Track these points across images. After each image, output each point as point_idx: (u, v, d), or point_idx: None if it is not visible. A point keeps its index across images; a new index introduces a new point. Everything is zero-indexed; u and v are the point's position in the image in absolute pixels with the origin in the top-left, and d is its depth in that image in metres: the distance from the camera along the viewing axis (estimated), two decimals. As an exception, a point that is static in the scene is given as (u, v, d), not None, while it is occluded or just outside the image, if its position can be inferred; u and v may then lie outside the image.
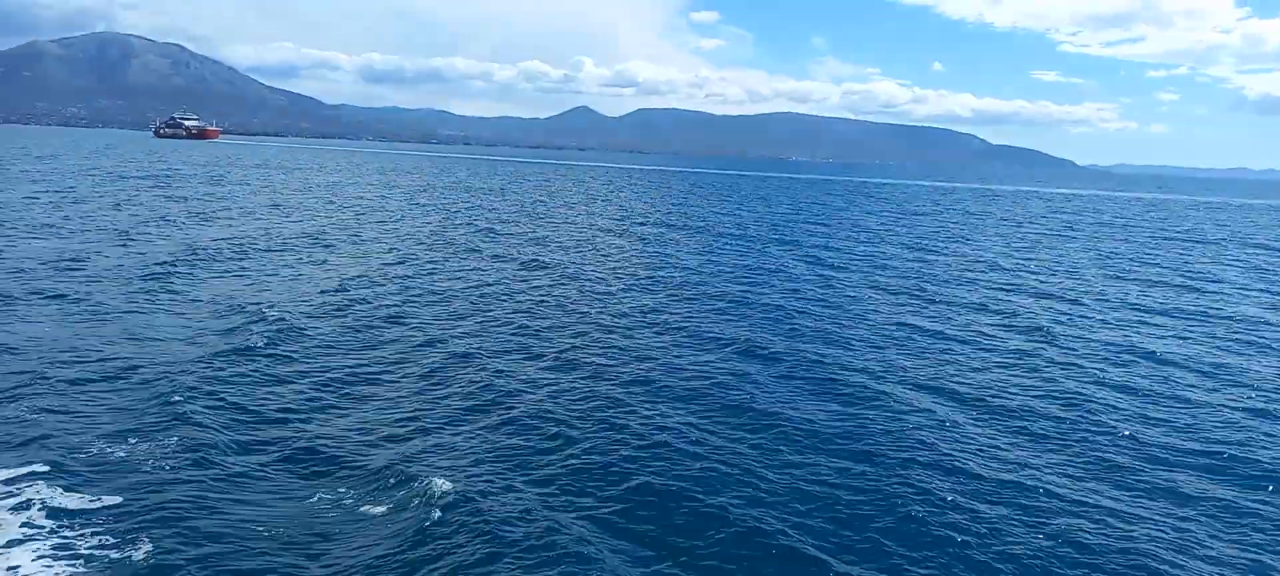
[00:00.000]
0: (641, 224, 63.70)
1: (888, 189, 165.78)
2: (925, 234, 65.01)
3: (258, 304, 27.19)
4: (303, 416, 17.45)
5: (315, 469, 14.86)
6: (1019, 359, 24.72)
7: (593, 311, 29.03)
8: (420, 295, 30.70)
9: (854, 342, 25.99)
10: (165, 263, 33.88)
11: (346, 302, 28.44)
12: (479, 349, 23.22)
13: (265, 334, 23.07)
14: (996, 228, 75.13)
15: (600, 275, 37.39)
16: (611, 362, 22.40)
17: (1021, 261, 49.11)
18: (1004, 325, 29.74)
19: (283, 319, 25.03)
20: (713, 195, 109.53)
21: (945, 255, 50.62)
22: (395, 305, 28.52)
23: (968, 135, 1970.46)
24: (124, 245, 38.57)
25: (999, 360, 24.48)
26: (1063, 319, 31.40)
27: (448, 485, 13.80)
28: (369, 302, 28.67)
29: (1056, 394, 21.11)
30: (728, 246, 50.80)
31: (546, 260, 41.07)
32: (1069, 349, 26.28)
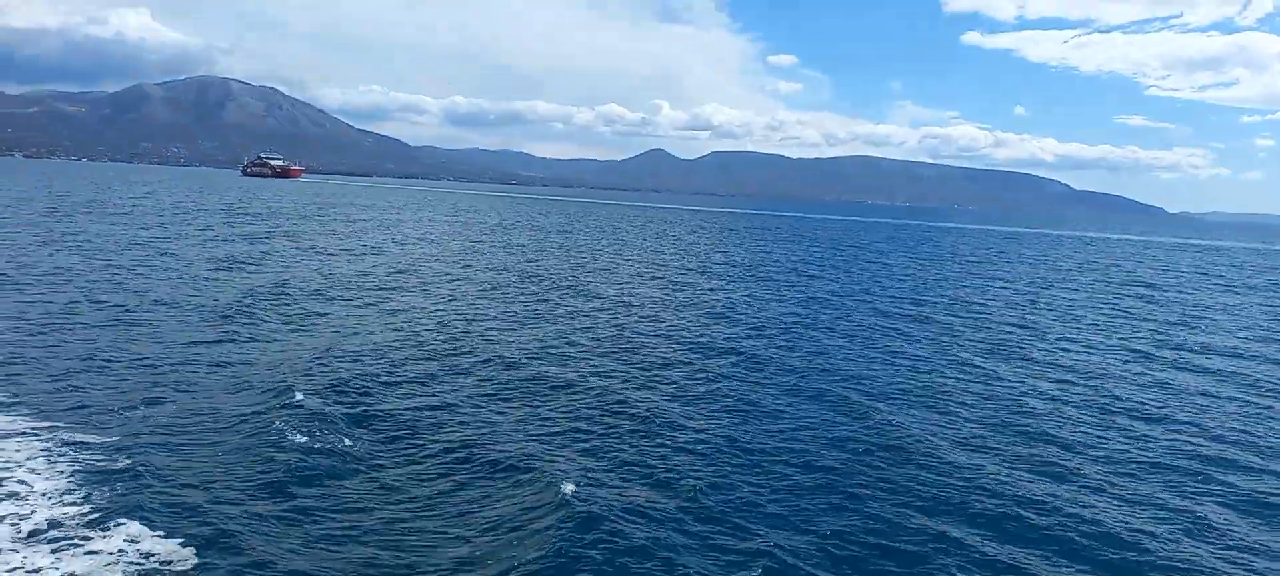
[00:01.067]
0: (712, 262, 64.73)
1: (967, 233, 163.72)
2: (1013, 282, 64.52)
3: (348, 336, 29.30)
4: (413, 429, 19.04)
5: (446, 474, 16.45)
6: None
7: (686, 344, 30.50)
8: (516, 325, 32.72)
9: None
10: (245, 295, 36.32)
11: (432, 331, 30.36)
12: (569, 371, 24.84)
13: (357, 363, 24.85)
14: (1092, 274, 73.97)
15: (684, 309, 38.94)
16: (704, 386, 24.09)
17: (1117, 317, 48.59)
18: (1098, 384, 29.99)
19: (375, 347, 27.06)
20: (786, 237, 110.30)
21: (1028, 306, 50.38)
22: (482, 333, 30.36)
23: (1050, 180, 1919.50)
24: (224, 272, 41.60)
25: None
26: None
27: (572, 487, 15.41)
28: (456, 331, 30.57)
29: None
30: (788, 283, 51.40)
31: (619, 294, 42.55)
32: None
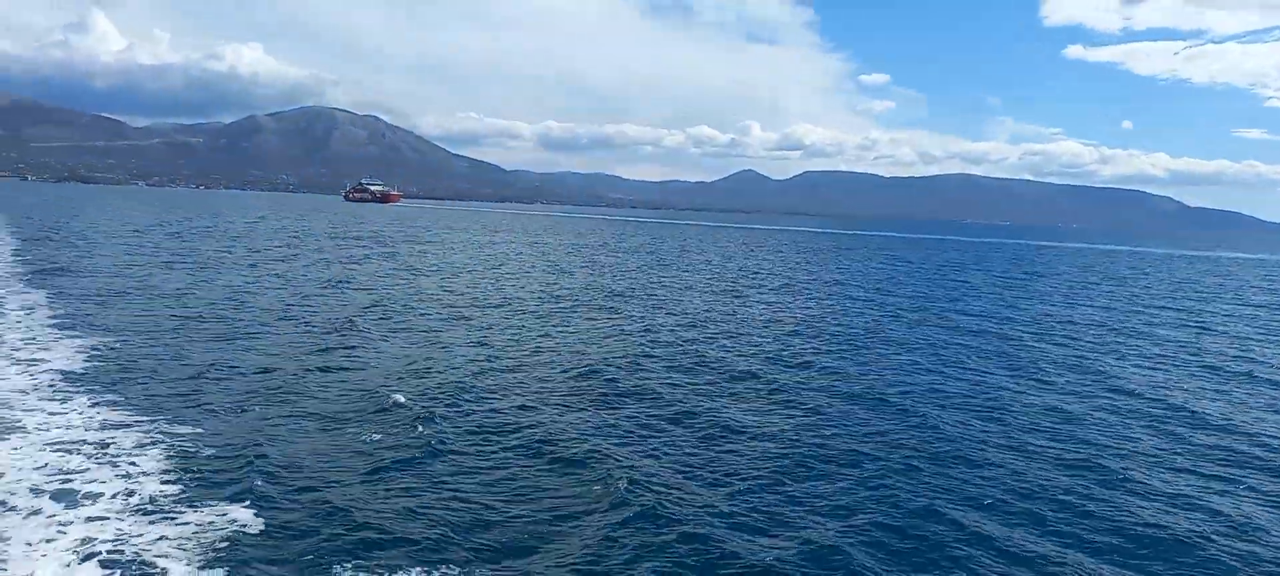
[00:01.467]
0: (801, 282, 65.26)
1: (1067, 253, 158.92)
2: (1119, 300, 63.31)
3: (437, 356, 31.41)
4: (498, 427, 20.62)
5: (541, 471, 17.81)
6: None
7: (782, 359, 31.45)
8: (598, 337, 34.44)
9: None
10: (349, 313, 38.82)
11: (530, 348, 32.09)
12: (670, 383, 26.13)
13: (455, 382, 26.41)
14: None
15: (762, 323, 39.70)
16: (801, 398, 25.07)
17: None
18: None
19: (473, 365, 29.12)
20: (872, 255, 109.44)
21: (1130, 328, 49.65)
22: (578, 348, 31.93)
23: (1160, 197, 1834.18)
24: (331, 289, 44.66)
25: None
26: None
27: (629, 482, 16.96)
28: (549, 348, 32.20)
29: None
30: (867, 300, 51.67)
31: (697, 308, 43.60)
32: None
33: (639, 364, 29.50)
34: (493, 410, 22.36)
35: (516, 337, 33.92)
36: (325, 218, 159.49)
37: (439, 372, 26.36)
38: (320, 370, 25.96)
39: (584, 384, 26.06)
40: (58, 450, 17.17)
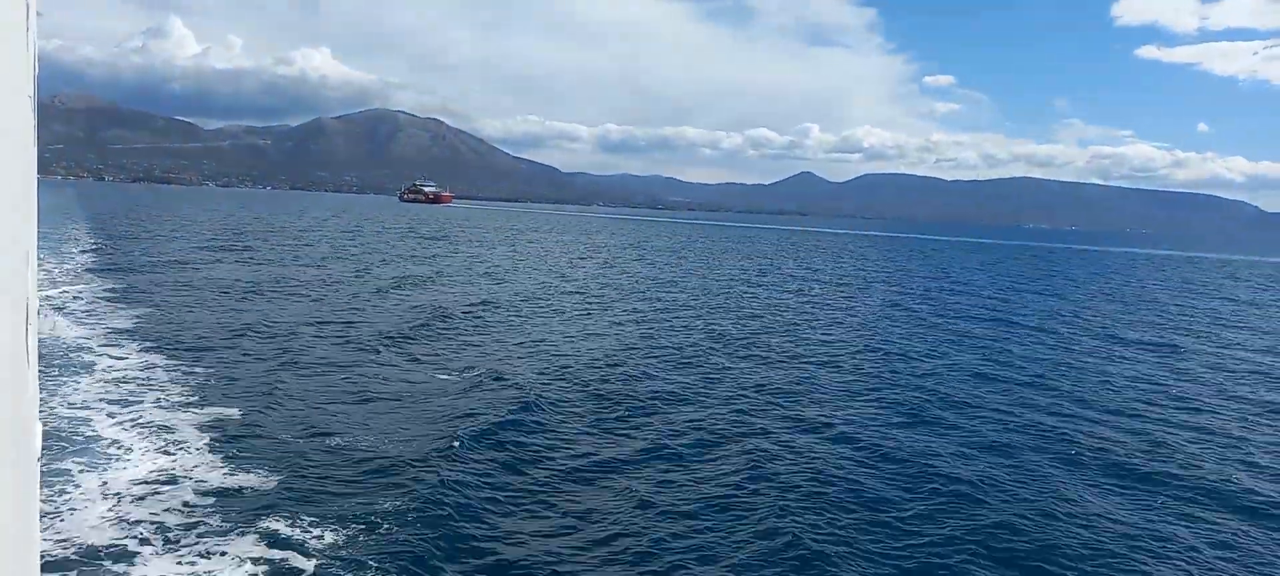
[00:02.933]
0: (840, 282, 65.39)
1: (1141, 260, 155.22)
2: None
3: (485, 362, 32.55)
4: (555, 434, 20.25)
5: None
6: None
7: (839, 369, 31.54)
8: (647, 343, 34.38)
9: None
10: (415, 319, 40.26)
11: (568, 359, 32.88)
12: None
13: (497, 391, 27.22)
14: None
15: (803, 325, 39.52)
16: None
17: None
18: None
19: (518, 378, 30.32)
20: (921, 259, 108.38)
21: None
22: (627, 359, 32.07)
23: (1238, 202, 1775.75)
24: (391, 293, 45.94)
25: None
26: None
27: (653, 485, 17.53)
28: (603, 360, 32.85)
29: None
30: (908, 303, 51.84)
31: (739, 308, 43.83)
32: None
33: (674, 363, 29.96)
34: (547, 418, 22.22)
35: (568, 336, 34.85)
36: (382, 219, 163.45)
37: (494, 382, 27.23)
38: (387, 373, 27.38)
39: (635, 388, 26.22)
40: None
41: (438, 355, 29.73)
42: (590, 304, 47.22)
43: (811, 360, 32.38)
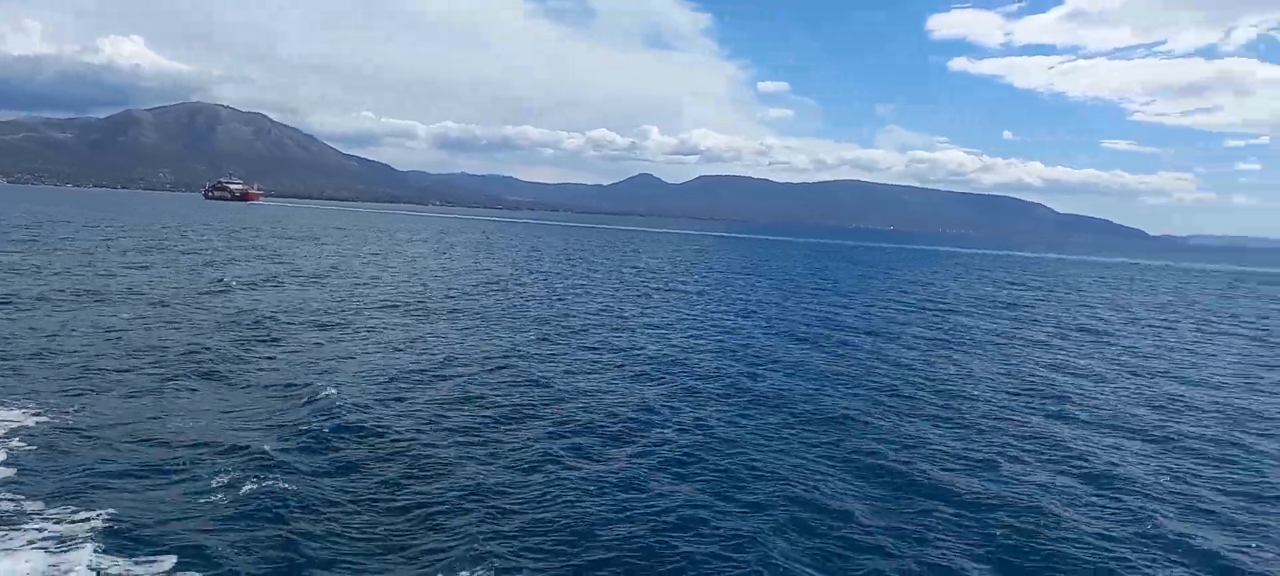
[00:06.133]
0: (673, 282, 63.39)
1: (957, 258, 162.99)
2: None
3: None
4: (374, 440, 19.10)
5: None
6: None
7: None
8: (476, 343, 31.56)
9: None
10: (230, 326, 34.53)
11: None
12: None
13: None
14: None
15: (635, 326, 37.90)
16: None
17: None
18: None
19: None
20: (741, 256, 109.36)
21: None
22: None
23: (1037, 204, 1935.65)
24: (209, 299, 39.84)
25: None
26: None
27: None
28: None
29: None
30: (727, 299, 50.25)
31: (567, 309, 41.46)
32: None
33: (515, 367, 27.10)
34: (364, 424, 20.39)
35: (394, 345, 30.30)
36: (181, 218, 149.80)
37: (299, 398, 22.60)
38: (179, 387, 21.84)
39: (463, 394, 24.03)
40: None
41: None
42: (363, 309, 42.31)
43: (634, 354, 31.79)
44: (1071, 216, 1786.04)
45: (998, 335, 43.88)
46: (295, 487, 15.71)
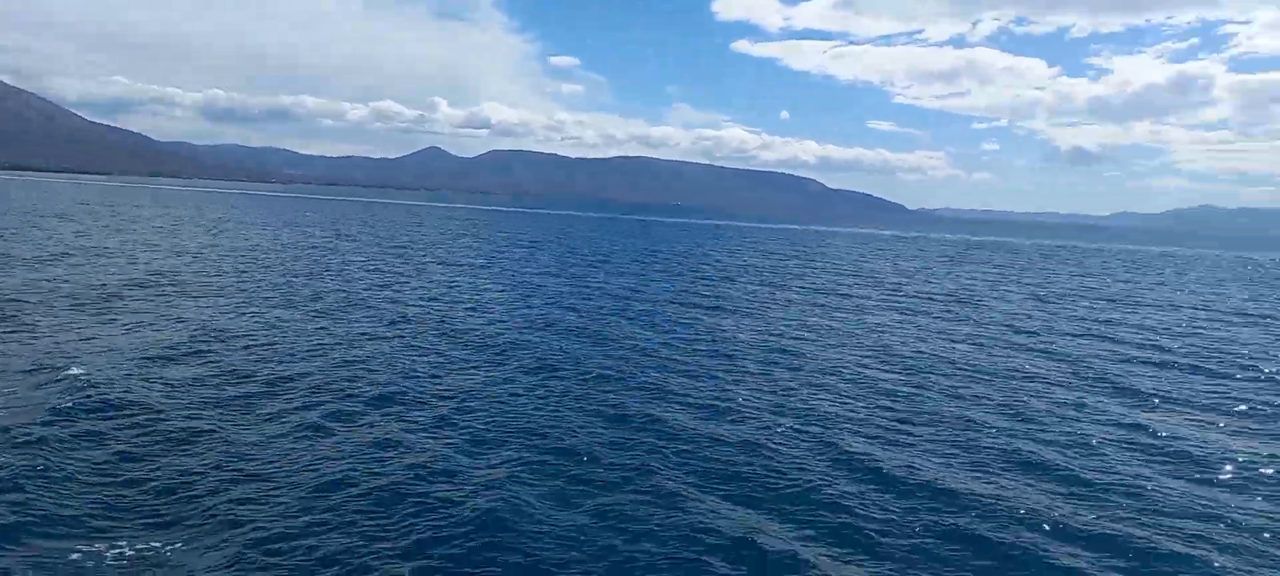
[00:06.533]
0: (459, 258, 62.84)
1: (747, 232, 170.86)
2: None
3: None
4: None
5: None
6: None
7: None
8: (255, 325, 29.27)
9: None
10: None
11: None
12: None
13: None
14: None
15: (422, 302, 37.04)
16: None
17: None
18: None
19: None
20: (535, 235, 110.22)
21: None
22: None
23: (809, 180, 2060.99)
24: None
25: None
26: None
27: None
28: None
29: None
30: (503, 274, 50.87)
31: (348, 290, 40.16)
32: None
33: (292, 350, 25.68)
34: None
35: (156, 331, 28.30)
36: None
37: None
38: None
39: (244, 381, 21.96)
40: None
41: None
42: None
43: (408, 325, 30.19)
44: (839, 191, 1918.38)
45: (753, 300, 47.79)
46: (33, 463, 15.38)
